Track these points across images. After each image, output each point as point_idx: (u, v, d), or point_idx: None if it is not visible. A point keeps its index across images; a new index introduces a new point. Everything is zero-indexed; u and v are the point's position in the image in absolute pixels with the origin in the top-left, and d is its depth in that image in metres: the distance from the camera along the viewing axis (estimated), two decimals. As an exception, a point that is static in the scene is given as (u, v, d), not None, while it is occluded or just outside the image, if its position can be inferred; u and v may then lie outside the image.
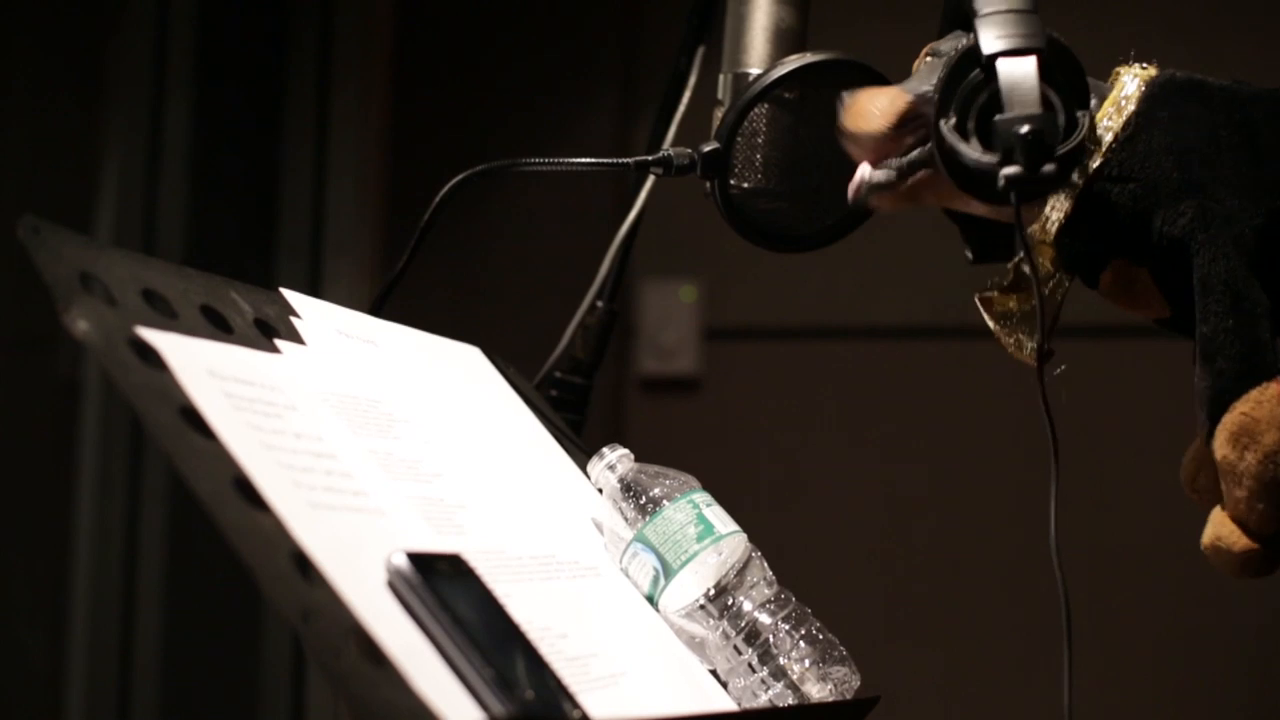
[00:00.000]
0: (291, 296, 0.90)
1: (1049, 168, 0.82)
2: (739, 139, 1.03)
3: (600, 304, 1.25)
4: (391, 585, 0.70)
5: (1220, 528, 0.85)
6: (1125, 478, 2.31)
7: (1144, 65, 0.89)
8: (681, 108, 1.22)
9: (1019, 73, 0.84)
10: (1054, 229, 0.88)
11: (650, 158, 1.06)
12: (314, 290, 1.17)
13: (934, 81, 0.88)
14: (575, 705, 0.72)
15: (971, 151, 0.85)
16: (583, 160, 1.26)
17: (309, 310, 0.90)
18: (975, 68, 0.86)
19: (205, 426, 0.69)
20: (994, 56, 0.84)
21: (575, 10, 2.65)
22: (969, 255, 0.97)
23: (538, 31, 2.66)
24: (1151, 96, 0.88)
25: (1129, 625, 2.25)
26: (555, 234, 2.52)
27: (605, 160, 1.26)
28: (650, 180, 1.21)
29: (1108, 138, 0.87)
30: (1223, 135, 0.86)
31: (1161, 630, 2.29)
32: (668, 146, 1.11)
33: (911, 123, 0.90)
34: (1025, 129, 0.82)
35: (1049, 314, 0.89)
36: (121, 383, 0.68)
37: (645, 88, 2.53)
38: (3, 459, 2.28)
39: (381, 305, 1.03)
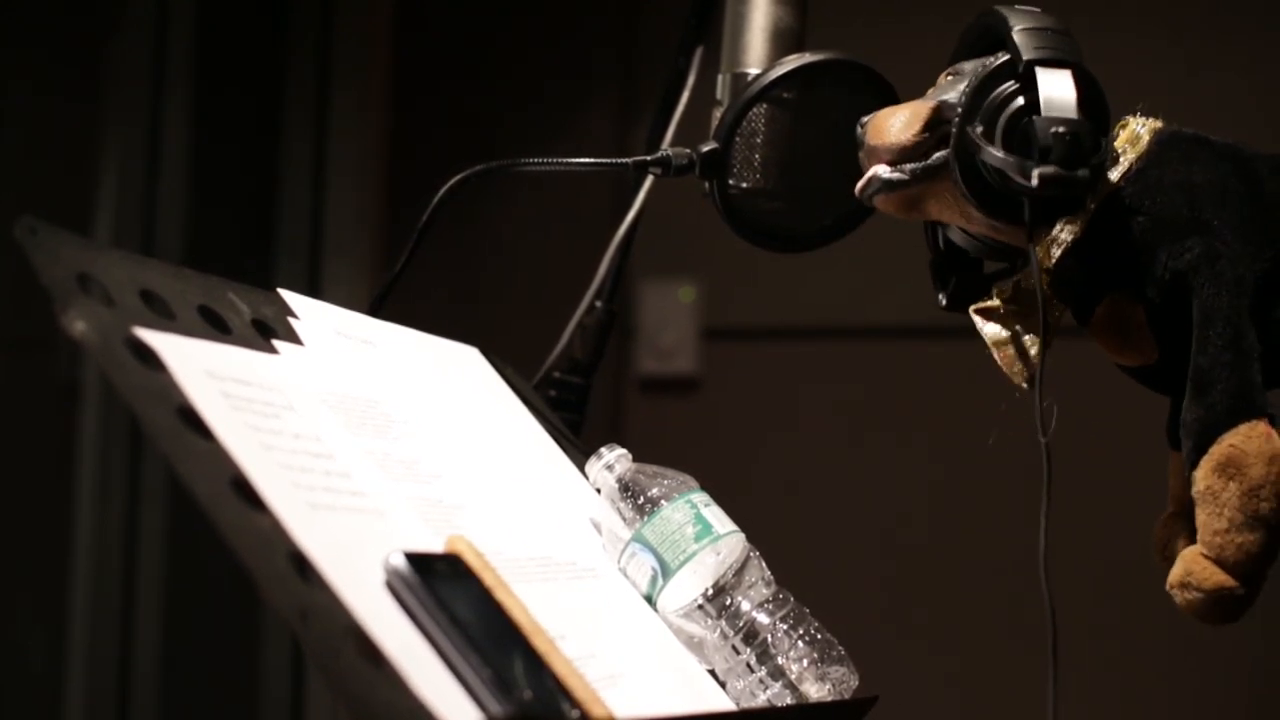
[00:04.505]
0: (289, 297, 0.90)
1: (1083, 172, 0.83)
2: (738, 139, 1.03)
3: (599, 304, 1.25)
4: (390, 586, 0.70)
5: (1192, 564, 0.85)
6: (1137, 477, 2.31)
7: (1150, 118, 0.92)
8: (680, 108, 1.22)
9: (1057, 81, 0.85)
10: (1058, 252, 0.88)
11: (649, 158, 1.07)
12: (313, 291, 1.17)
13: (959, 90, 0.88)
14: (573, 705, 0.72)
15: (997, 152, 0.85)
16: (582, 160, 1.26)
17: (306, 310, 0.90)
18: (1007, 80, 0.87)
19: (203, 427, 0.69)
20: (1033, 63, 0.86)
21: (574, 10, 2.65)
22: (941, 301, 0.98)
23: (537, 32, 2.66)
24: (1162, 141, 0.90)
25: (1136, 627, 2.25)
26: (554, 234, 2.51)
27: (604, 160, 1.26)
28: (649, 180, 1.21)
29: (1123, 167, 0.89)
30: (1230, 183, 0.88)
31: (1166, 631, 2.29)
32: (667, 147, 1.11)
33: (933, 131, 0.91)
34: (1064, 129, 0.83)
35: (1047, 335, 0.89)
36: (120, 384, 0.68)
37: (644, 88, 2.53)
38: (3, 460, 2.28)
39: (380, 305, 1.03)
